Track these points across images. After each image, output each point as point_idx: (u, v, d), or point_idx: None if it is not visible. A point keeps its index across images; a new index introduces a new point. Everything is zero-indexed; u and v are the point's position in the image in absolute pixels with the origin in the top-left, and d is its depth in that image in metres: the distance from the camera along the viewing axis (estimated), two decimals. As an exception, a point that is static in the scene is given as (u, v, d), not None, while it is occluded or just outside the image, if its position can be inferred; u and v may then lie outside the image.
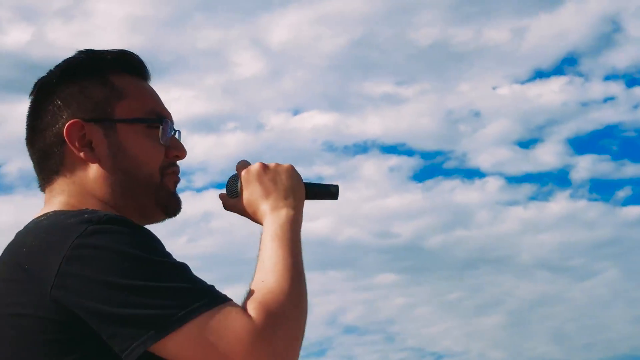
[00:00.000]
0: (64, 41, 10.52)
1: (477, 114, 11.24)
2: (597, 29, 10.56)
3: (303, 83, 11.58)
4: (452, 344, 10.81)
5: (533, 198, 10.80)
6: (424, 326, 11.37)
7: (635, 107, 10.34)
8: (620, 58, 10.54)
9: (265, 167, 1.39)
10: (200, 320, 1.10)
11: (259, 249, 1.28)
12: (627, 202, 10.52)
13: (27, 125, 1.40)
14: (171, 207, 1.40)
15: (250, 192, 1.38)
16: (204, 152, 11.08)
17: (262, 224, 1.35)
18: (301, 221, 1.35)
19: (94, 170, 1.34)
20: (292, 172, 1.40)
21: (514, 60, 11.24)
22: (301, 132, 11.57)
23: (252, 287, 1.19)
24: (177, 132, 1.44)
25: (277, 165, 1.40)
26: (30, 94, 1.40)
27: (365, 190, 11.61)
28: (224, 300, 1.13)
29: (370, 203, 11.78)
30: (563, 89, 10.78)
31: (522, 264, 11.26)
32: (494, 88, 11.50)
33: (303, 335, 1.19)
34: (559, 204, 10.87)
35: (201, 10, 11.05)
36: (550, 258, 11.16)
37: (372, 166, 11.39)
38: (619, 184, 10.53)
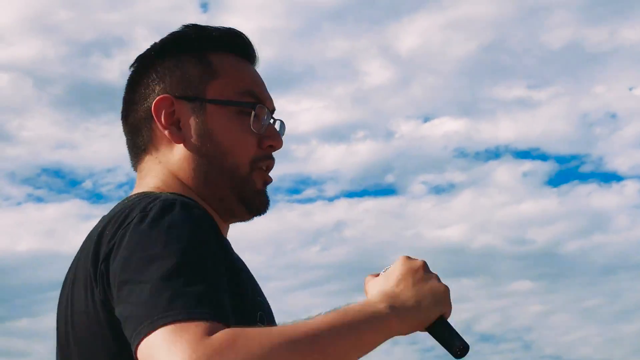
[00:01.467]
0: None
1: (613, 116, 10.87)
2: None
3: (433, 89, 11.58)
4: (592, 352, 10.46)
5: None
6: (561, 334, 11.06)
7: None
8: None
9: (424, 267, 1.17)
10: (155, 333, 0.94)
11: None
12: None
13: (123, 98, 1.33)
14: (255, 205, 1.28)
15: (389, 279, 1.15)
16: (335, 162, 11.25)
17: None
18: (389, 333, 1.07)
19: (179, 150, 1.26)
20: (442, 293, 1.15)
21: (651, 59, 10.80)
22: (432, 138, 11.54)
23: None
24: (277, 122, 1.33)
25: (437, 278, 1.17)
26: (130, 67, 1.33)
27: (498, 196, 11.44)
28: (206, 315, 0.95)
29: (504, 209, 11.57)
30: None
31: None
32: (630, 89, 11.10)
33: None
34: None
35: (330, 20, 11.29)
36: None
37: (505, 171, 11.22)
38: None
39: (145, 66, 1.31)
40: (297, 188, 10.96)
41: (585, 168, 10.72)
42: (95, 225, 1.19)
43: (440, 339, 1.16)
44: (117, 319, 1.03)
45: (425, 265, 1.17)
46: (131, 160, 1.34)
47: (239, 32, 1.34)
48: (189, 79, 1.28)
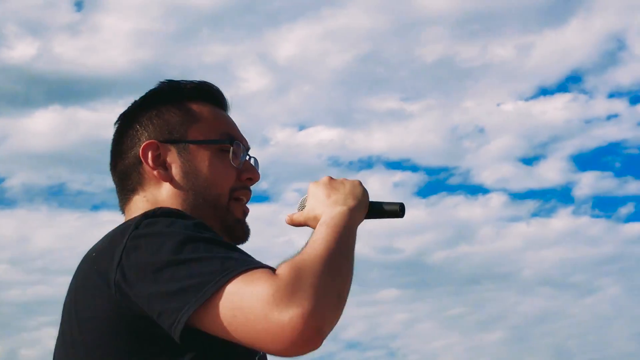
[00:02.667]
0: (70, 55, 10.60)
1: (481, 130, 11.34)
2: (602, 47, 10.68)
3: (309, 98, 11.67)
4: (454, 360, 10.82)
5: (536, 214, 10.86)
6: (426, 342, 11.37)
7: (639, 124, 10.43)
8: (624, 76, 10.65)
9: (332, 179, 1.41)
10: (233, 283, 1.09)
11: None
12: (629, 219, 10.58)
13: (110, 152, 1.47)
14: (237, 233, 1.43)
15: (314, 200, 1.38)
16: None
17: None
18: (356, 221, 1.32)
19: (166, 188, 1.40)
20: (358, 184, 1.40)
21: (519, 77, 11.35)
22: (306, 147, 11.62)
23: (291, 256, 1.18)
24: (252, 159, 1.49)
25: (345, 179, 1.42)
26: (115, 123, 1.48)
27: (369, 205, 11.59)
28: (259, 265, 1.13)
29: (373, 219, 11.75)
30: (567, 106, 10.88)
31: (524, 280, 11.30)
32: (498, 104, 11.62)
33: (341, 295, 1.14)
34: (562, 220, 10.93)
35: (208, 25, 11.15)
36: (552, 274, 11.21)
37: (376, 181, 11.42)
38: (622, 200, 10.61)
39: (129, 120, 1.45)
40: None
41: (454, 180, 11.10)
42: (88, 252, 1.31)
43: (382, 213, 1.42)
44: (134, 314, 1.16)
45: (330, 177, 1.41)
46: (120, 203, 1.46)
47: (210, 84, 1.50)
48: (172, 124, 1.43)
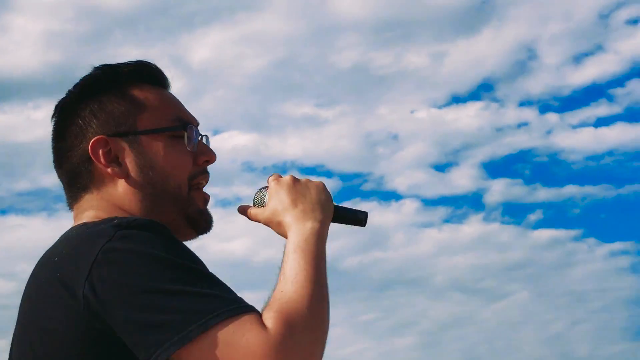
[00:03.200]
0: (-21, 57, 10.22)
1: (395, 137, 11.43)
2: (513, 56, 10.91)
3: (223, 103, 11.53)
4: (366, 366, 10.89)
5: (448, 220, 11.01)
6: (338, 347, 11.36)
7: (548, 132, 10.71)
8: (534, 85, 10.91)
9: (296, 180, 1.37)
10: (220, 327, 1.06)
11: (282, 260, 1.25)
12: (538, 225, 10.84)
13: (52, 148, 1.39)
14: (200, 224, 1.37)
15: (278, 202, 1.35)
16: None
17: (285, 235, 1.32)
18: (326, 236, 1.31)
19: (122, 185, 1.32)
20: (323, 188, 1.38)
21: (432, 84, 11.48)
22: (221, 152, 11.44)
23: (272, 297, 1.16)
24: (204, 137, 1.42)
25: (309, 180, 1.39)
26: (52, 117, 1.39)
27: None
28: (245, 309, 1.10)
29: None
30: (479, 114, 11.07)
31: (436, 286, 11.44)
32: (412, 112, 11.73)
33: (324, 345, 1.15)
34: (473, 226, 11.11)
35: (121, 27, 10.90)
36: (463, 280, 11.37)
37: (290, 187, 11.41)
38: (531, 207, 10.86)
39: (67, 115, 1.36)
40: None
41: (367, 186, 11.13)
42: (46, 256, 1.25)
43: (345, 219, 1.41)
44: (102, 331, 1.09)
45: (293, 176, 1.37)
46: (68, 200, 1.38)
47: (147, 62, 1.40)
48: (117, 116, 1.34)
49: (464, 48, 11.15)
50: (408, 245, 11.45)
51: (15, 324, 1.27)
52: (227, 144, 11.41)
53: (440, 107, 11.34)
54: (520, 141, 10.76)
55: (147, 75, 1.39)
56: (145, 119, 1.34)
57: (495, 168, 10.86)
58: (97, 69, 1.37)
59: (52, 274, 1.17)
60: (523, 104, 10.83)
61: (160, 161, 1.33)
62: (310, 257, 1.23)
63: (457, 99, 11.09)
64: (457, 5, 10.85)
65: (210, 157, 1.40)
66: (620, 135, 10.35)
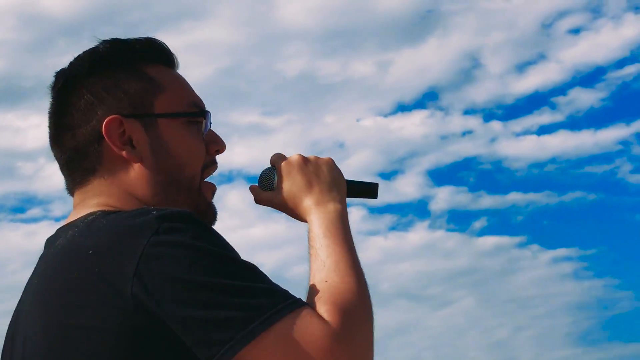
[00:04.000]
0: None
1: (341, 145, 11.48)
2: (457, 65, 11.09)
3: (169, 111, 11.45)
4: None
5: (393, 228, 11.11)
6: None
7: (492, 140, 10.90)
8: (479, 93, 11.10)
9: (305, 159, 1.31)
10: (283, 323, 1.02)
11: (311, 246, 1.21)
12: (482, 232, 11.00)
13: (52, 123, 1.28)
14: (208, 217, 1.30)
15: (292, 185, 1.29)
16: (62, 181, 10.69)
17: (303, 219, 1.28)
18: (348, 215, 1.27)
19: (135, 170, 1.23)
20: (333, 165, 1.33)
21: (378, 93, 11.59)
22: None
23: (318, 288, 1.12)
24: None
25: (317, 158, 1.33)
26: (53, 87, 1.28)
27: (229, 220, 11.53)
28: (302, 303, 1.07)
29: (234, 233, 11.69)
30: (424, 122, 11.19)
31: (382, 293, 11.51)
32: (358, 120, 11.81)
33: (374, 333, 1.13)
34: (418, 234, 11.22)
35: (65, 35, 10.73)
36: (409, 287, 11.48)
37: (237, 196, 11.35)
38: (476, 214, 11.02)
39: (74, 88, 1.25)
40: (22, 207, 10.34)
41: (312, 195, 11.17)
42: (73, 247, 1.13)
43: (360, 193, 1.40)
44: (154, 331, 1.03)
45: (301, 155, 1.32)
46: (69, 183, 1.29)
47: (159, 40, 1.32)
48: (133, 96, 1.25)
49: (409, 57, 11.28)
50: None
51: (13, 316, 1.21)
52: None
53: (386, 116, 11.44)
54: (465, 149, 10.93)
55: (160, 54, 1.31)
56: (162, 101, 1.26)
57: (440, 176, 11.00)
58: (106, 42, 1.27)
59: (89, 269, 1.07)
60: (468, 112, 11.00)
61: (177, 148, 1.25)
62: (344, 242, 1.20)
63: (402, 108, 11.20)
64: (403, 15, 10.98)
65: (222, 146, 1.33)
66: (562, 143, 10.58)
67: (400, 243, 11.29)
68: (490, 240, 10.96)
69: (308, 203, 1.27)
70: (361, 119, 11.77)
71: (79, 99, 1.25)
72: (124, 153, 1.23)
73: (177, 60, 1.34)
